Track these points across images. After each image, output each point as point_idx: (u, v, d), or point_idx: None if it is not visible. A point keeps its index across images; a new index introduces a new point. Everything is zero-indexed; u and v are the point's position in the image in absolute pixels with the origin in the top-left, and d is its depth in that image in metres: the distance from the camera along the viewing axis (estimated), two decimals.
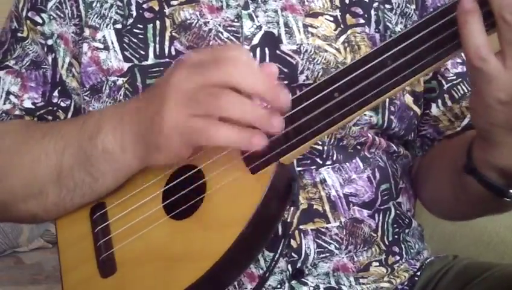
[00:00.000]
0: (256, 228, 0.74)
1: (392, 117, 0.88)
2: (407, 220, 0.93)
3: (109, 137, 0.78)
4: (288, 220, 0.76)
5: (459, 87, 0.94)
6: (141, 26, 0.86)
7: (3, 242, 1.71)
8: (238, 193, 0.75)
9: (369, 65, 0.73)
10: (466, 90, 0.93)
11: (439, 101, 0.94)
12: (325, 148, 0.85)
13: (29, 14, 0.92)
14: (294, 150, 0.75)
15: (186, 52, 0.85)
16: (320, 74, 0.84)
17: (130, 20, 0.87)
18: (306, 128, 0.74)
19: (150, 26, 0.86)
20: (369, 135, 0.87)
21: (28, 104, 0.92)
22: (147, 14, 0.87)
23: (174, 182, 0.79)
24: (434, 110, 0.94)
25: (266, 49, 0.84)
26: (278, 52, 0.85)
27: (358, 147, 0.87)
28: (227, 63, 0.69)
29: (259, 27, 0.85)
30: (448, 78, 0.94)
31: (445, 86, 0.94)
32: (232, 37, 0.85)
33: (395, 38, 0.73)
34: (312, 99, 0.74)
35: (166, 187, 0.80)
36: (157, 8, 0.87)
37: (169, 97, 0.71)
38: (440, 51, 0.72)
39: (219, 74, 0.69)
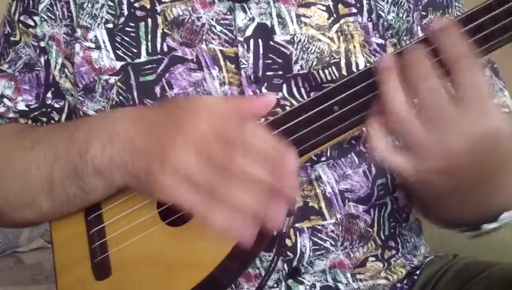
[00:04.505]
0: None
1: None
2: (404, 215, 0.92)
3: (98, 157, 0.77)
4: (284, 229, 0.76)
5: None
6: (133, 25, 0.86)
7: (3, 242, 1.71)
8: None
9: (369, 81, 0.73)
10: None
11: None
12: None
13: (22, 18, 0.92)
14: None
15: (179, 48, 0.85)
16: (314, 63, 0.84)
17: (122, 19, 0.87)
18: (305, 141, 0.75)
19: (142, 24, 0.86)
20: (363, 129, 0.87)
21: (21, 106, 0.92)
22: (139, 13, 0.87)
23: None
24: None
25: (260, 40, 0.84)
26: (271, 43, 0.85)
27: (353, 142, 0.87)
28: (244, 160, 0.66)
29: (252, 19, 0.85)
30: None
31: None
32: (225, 30, 0.85)
33: (397, 52, 0.73)
34: (311, 112, 0.74)
35: None
36: (148, 6, 0.86)
37: (170, 161, 0.68)
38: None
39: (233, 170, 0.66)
